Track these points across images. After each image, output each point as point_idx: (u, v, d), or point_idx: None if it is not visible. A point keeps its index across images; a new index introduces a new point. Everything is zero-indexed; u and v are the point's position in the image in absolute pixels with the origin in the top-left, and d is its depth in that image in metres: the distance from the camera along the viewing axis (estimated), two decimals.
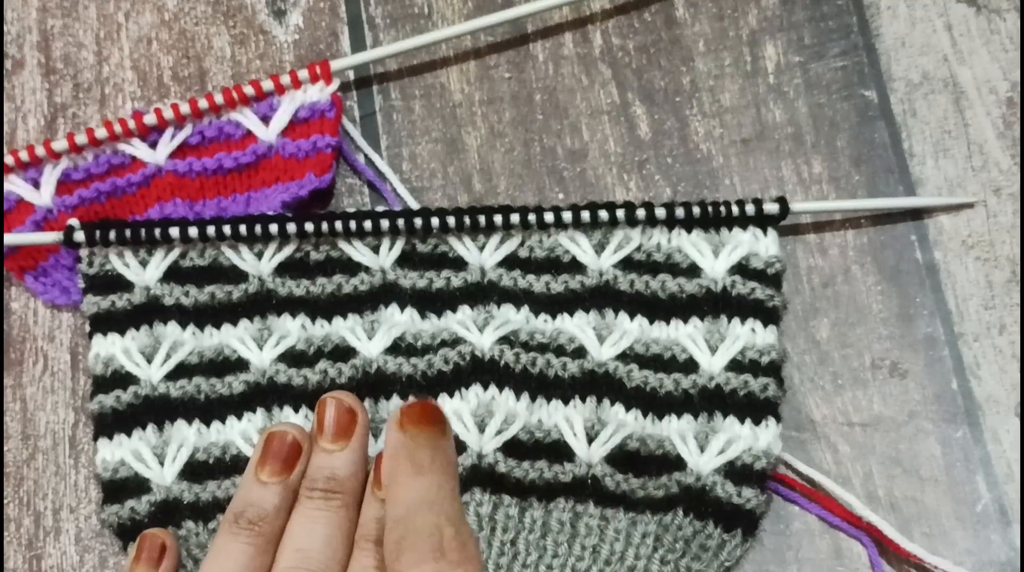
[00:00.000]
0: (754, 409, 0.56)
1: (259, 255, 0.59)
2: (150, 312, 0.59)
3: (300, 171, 0.61)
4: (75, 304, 0.61)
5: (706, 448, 0.55)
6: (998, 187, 0.61)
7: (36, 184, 0.62)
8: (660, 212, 0.58)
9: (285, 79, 0.62)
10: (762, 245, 0.58)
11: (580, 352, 0.57)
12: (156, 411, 0.57)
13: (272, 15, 0.67)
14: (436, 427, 0.51)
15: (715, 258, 0.58)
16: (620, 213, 0.58)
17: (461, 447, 0.56)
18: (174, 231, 0.58)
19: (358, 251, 0.59)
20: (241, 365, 0.58)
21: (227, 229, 0.58)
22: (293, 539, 0.51)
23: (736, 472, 0.55)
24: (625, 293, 0.58)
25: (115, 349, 0.58)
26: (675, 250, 0.58)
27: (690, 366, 0.57)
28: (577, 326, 0.58)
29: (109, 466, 0.57)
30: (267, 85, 0.62)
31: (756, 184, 0.62)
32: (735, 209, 0.58)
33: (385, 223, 0.58)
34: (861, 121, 0.63)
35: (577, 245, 0.59)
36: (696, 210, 0.58)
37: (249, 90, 0.62)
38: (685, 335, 0.57)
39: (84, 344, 0.61)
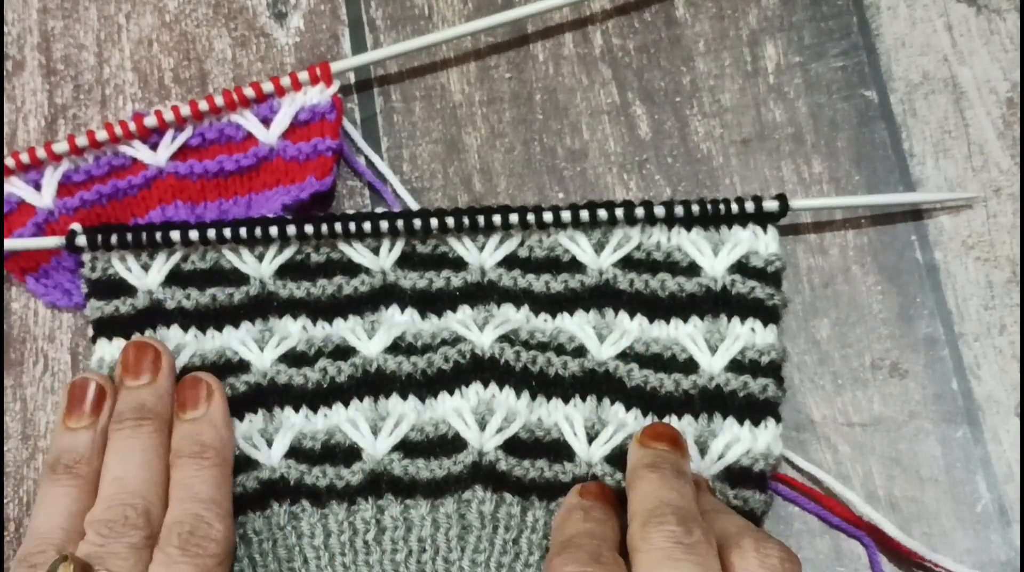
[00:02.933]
0: (753, 410, 0.56)
1: (260, 257, 0.59)
2: (153, 316, 0.59)
3: (301, 174, 0.61)
4: (76, 306, 0.61)
5: (706, 452, 0.55)
6: (998, 187, 0.61)
7: (37, 186, 0.62)
8: (659, 210, 0.58)
9: (285, 81, 0.62)
10: (762, 243, 0.58)
11: (580, 351, 0.57)
12: None
13: (273, 17, 0.67)
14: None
15: (715, 256, 0.58)
16: (619, 212, 0.58)
17: (462, 445, 0.56)
18: (175, 234, 0.58)
19: (358, 252, 0.59)
20: (243, 366, 0.58)
21: (228, 232, 0.58)
22: (110, 470, 0.52)
23: (736, 474, 0.55)
24: (625, 292, 0.58)
25: (119, 353, 0.58)
26: (675, 249, 0.59)
27: (690, 366, 0.57)
28: (577, 325, 0.58)
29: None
30: (267, 87, 0.62)
31: (756, 184, 0.62)
32: (735, 207, 0.58)
33: (385, 224, 0.58)
34: (861, 121, 0.63)
35: (577, 244, 0.59)
36: (695, 208, 0.58)
37: (249, 92, 0.62)
38: (685, 334, 0.57)
39: (84, 345, 0.61)
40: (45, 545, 0.50)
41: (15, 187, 0.62)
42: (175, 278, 0.59)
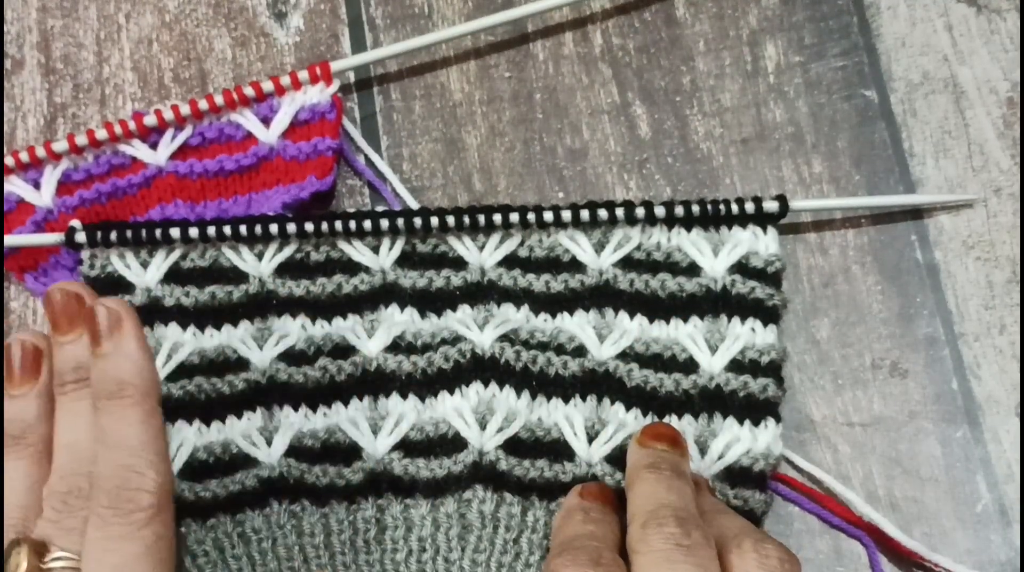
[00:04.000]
0: (753, 410, 0.56)
1: (259, 256, 0.59)
2: (151, 313, 0.59)
3: (301, 173, 0.61)
4: None
5: (706, 451, 0.55)
6: (998, 187, 0.61)
7: (36, 185, 0.62)
8: (660, 211, 0.58)
9: (285, 80, 0.62)
10: (762, 243, 0.58)
11: (580, 351, 0.57)
12: None
13: (273, 17, 0.67)
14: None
15: (715, 257, 0.58)
16: (619, 212, 0.58)
17: (462, 444, 0.56)
18: (175, 232, 0.58)
19: (358, 251, 0.59)
20: (242, 365, 0.58)
21: (227, 230, 0.58)
22: (61, 436, 0.50)
23: (735, 474, 0.55)
24: (625, 292, 0.58)
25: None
26: (675, 249, 0.59)
27: (690, 366, 0.57)
28: (577, 325, 0.58)
29: None
30: (267, 86, 0.62)
31: (756, 184, 0.62)
32: (735, 207, 0.58)
33: (385, 223, 0.58)
34: (861, 121, 0.63)
35: (577, 244, 0.59)
36: (696, 208, 0.58)
37: (249, 91, 0.62)
38: (685, 334, 0.57)
39: None
40: (4, 528, 0.48)
41: (15, 186, 0.62)
42: (174, 276, 0.59)
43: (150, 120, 0.62)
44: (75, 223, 0.59)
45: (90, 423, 0.50)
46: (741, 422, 0.56)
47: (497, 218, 0.58)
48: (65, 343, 0.51)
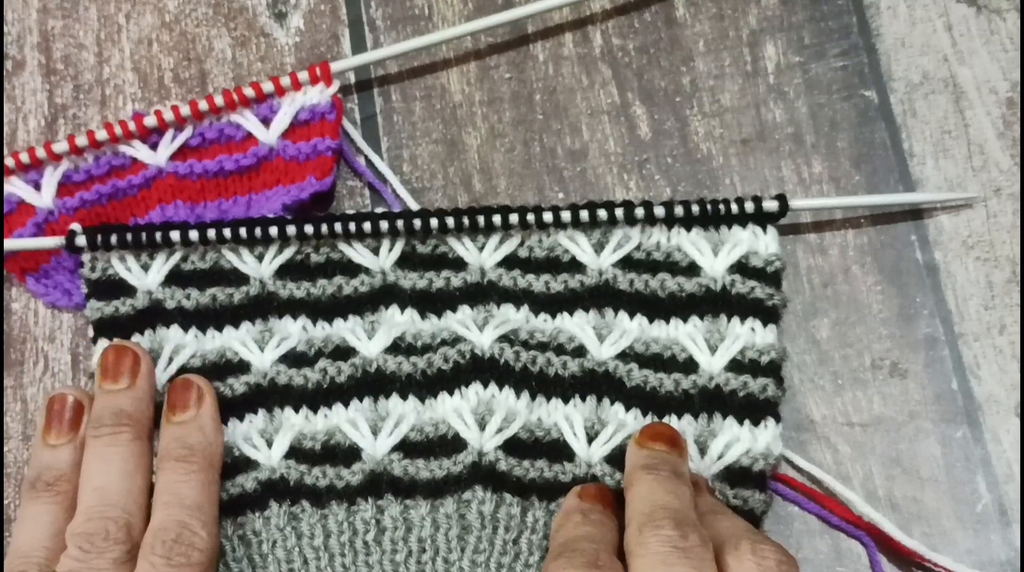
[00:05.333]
0: (753, 410, 0.56)
1: (260, 257, 0.59)
2: (153, 316, 0.59)
3: (301, 174, 0.61)
4: (76, 306, 0.61)
5: (706, 451, 0.55)
6: (998, 187, 0.61)
7: (37, 186, 0.62)
8: (659, 211, 0.58)
9: (285, 81, 0.62)
10: (762, 243, 0.58)
11: (580, 351, 0.57)
12: (160, 415, 0.57)
13: (273, 17, 0.67)
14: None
15: (714, 256, 0.58)
16: (619, 212, 0.58)
17: (462, 445, 0.56)
18: (175, 234, 0.58)
19: (358, 253, 0.59)
20: (242, 367, 0.58)
21: (228, 232, 0.58)
22: (89, 480, 0.52)
23: (735, 474, 0.55)
24: (624, 292, 0.58)
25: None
26: (674, 249, 0.59)
27: (690, 366, 0.57)
28: (577, 325, 0.58)
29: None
30: (267, 87, 0.62)
31: (756, 184, 0.62)
32: (734, 207, 0.58)
33: (385, 224, 0.58)
34: (861, 121, 0.63)
35: (576, 244, 0.59)
36: (695, 208, 0.58)
37: (249, 92, 0.62)
38: (685, 334, 0.57)
39: (84, 345, 0.61)
40: (26, 564, 0.50)
41: (15, 187, 0.62)
42: (175, 278, 0.59)
43: (150, 121, 0.62)
44: (75, 227, 0.59)
45: (122, 470, 0.52)
46: (741, 422, 0.56)
47: (497, 219, 0.58)
48: (110, 390, 0.54)
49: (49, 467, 0.53)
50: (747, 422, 0.56)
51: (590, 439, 0.56)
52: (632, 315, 0.58)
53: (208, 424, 0.54)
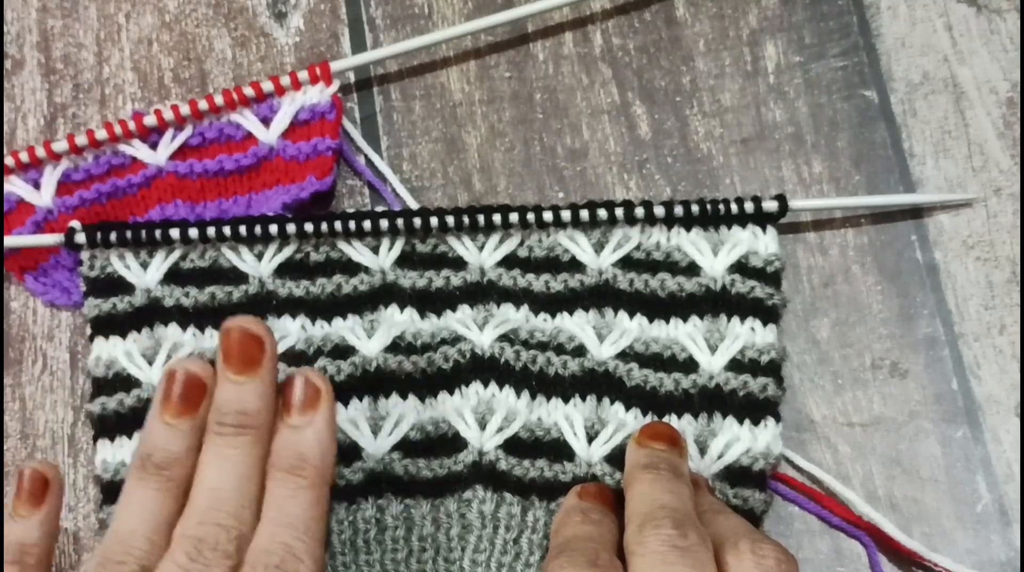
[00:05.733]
0: (753, 409, 0.56)
1: (259, 256, 0.59)
2: (151, 314, 0.59)
3: (301, 173, 0.61)
4: (75, 304, 0.61)
5: (706, 451, 0.55)
6: (998, 187, 0.61)
7: (36, 185, 0.62)
8: (659, 210, 0.58)
9: (285, 80, 0.62)
10: (761, 243, 0.58)
11: (580, 351, 0.57)
12: None
13: (273, 17, 0.67)
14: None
15: (714, 256, 0.58)
16: (619, 212, 0.58)
17: (462, 444, 0.56)
18: (174, 232, 0.58)
19: (358, 251, 0.59)
20: None
21: (227, 230, 0.58)
22: (205, 479, 0.48)
23: (735, 473, 0.55)
24: (624, 292, 0.58)
25: (117, 352, 0.58)
26: (674, 249, 0.58)
27: (690, 365, 0.57)
28: (577, 325, 0.58)
29: (110, 467, 0.57)
30: (267, 86, 0.62)
31: (756, 184, 0.62)
32: (734, 207, 0.58)
33: (384, 223, 0.58)
34: (861, 121, 0.63)
35: (576, 244, 0.59)
36: (695, 208, 0.58)
37: (249, 91, 0.62)
38: (685, 334, 0.57)
39: (83, 343, 0.61)
40: (126, 555, 0.47)
41: (14, 186, 0.62)
42: (174, 276, 0.59)
43: (150, 120, 0.62)
44: (75, 224, 0.59)
45: (240, 474, 0.48)
46: (741, 421, 0.56)
47: (497, 218, 0.58)
48: (235, 381, 0.49)
49: (161, 448, 0.48)
50: (747, 422, 0.55)
51: (590, 438, 0.56)
52: (632, 315, 0.58)
53: (324, 433, 0.49)
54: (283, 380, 0.50)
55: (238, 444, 0.48)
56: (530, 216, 0.58)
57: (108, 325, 0.58)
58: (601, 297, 0.58)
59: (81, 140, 0.62)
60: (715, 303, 0.57)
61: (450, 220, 0.58)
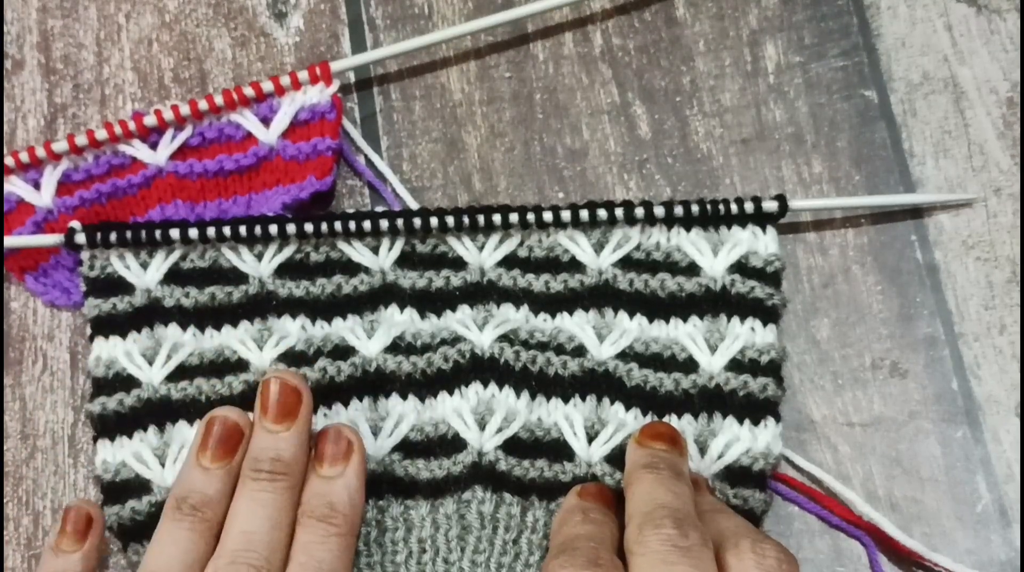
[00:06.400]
0: (753, 409, 0.56)
1: (259, 256, 0.59)
2: (151, 314, 0.59)
3: (301, 173, 0.61)
4: (75, 305, 0.61)
5: (706, 451, 0.55)
6: (998, 187, 0.61)
7: (36, 185, 0.62)
8: (659, 211, 0.58)
9: (285, 80, 0.62)
10: (761, 243, 0.58)
11: (580, 351, 0.57)
12: (157, 413, 0.57)
13: (273, 17, 0.67)
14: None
15: (714, 256, 0.58)
16: (619, 212, 0.58)
17: (462, 445, 0.56)
18: (174, 233, 0.58)
19: (358, 252, 0.59)
20: (241, 366, 0.58)
21: (227, 230, 0.58)
22: (238, 522, 0.50)
23: (735, 473, 0.55)
24: (624, 292, 0.58)
25: (116, 352, 0.58)
26: (674, 249, 0.58)
27: (690, 365, 0.57)
28: (577, 325, 0.58)
29: (110, 468, 0.57)
30: (267, 86, 0.62)
31: (756, 184, 0.62)
32: (734, 207, 0.58)
33: (384, 223, 0.58)
34: (861, 121, 0.63)
35: (576, 244, 0.59)
36: (695, 208, 0.58)
37: (249, 91, 0.62)
38: (685, 334, 0.57)
39: (83, 344, 0.61)
40: None
41: (15, 186, 0.62)
42: (174, 276, 0.59)
43: (150, 120, 0.62)
44: (75, 224, 0.59)
45: (272, 518, 0.50)
46: (741, 421, 0.56)
47: (497, 218, 0.58)
48: (272, 431, 0.52)
49: (197, 490, 0.51)
50: (747, 421, 0.55)
51: (590, 439, 0.56)
52: (632, 315, 0.58)
53: (354, 484, 0.52)
54: (317, 432, 0.53)
55: (272, 489, 0.50)
56: (530, 216, 0.58)
57: (108, 325, 0.58)
58: (601, 297, 0.58)
59: (81, 140, 0.62)
60: (715, 303, 0.57)
61: (450, 220, 0.58)
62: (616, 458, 0.55)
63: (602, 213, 0.58)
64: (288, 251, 0.59)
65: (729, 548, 0.45)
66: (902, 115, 0.63)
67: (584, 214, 0.58)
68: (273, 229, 0.58)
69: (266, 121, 0.63)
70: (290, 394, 0.52)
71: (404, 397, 0.57)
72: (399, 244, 0.59)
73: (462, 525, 0.55)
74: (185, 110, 0.62)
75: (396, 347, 0.58)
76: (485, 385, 0.56)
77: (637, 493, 0.48)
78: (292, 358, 0.58)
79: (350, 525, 0.51)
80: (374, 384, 0.57)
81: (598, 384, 0.56)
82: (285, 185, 0.62)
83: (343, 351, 0.58)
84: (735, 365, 0.56)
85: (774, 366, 0.56)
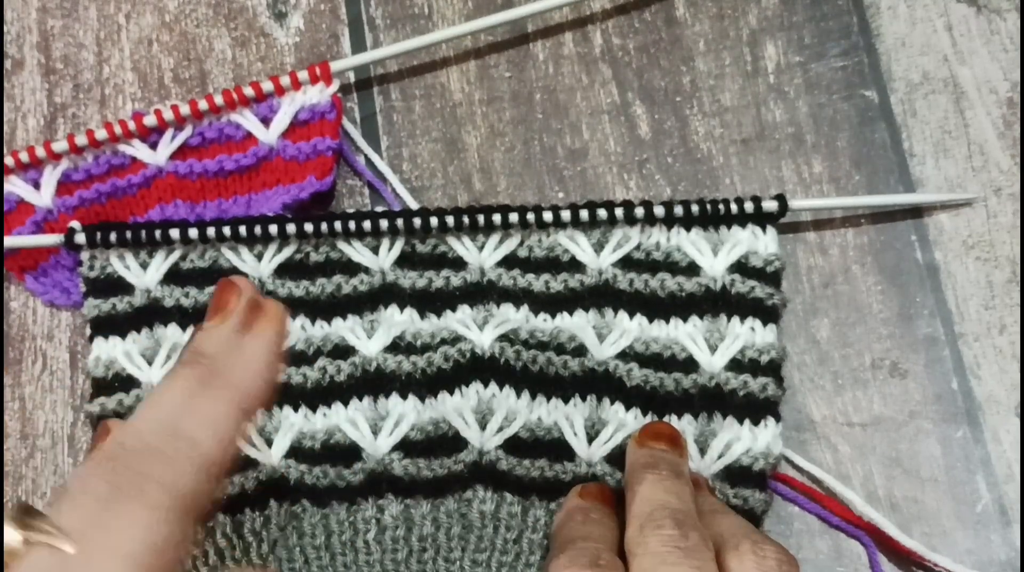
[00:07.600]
0: (753, 409, 0.56)
1: (259, 256, 0.59)
2: (151, 314, 0.59)
3: (301, 173, 0.61)
4: (75, 304, 0.61)
5: (706, 451, 0.55)
6: (998, 187, 0.61)
7: (36, 185, 0.62)
8: (659, 210, 0.58)
9: (285, 80, 0.62)
10: (761, 243, 0.58)
11: (580, 350, 0.57)
12: None
13: (273, 17, 0.67)
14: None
15: (714, 256, 0.58)
16: (619, 212, 0.58)
17: (462, 444, 0.56)
18: (174, 233, 0.58)
19: (358, 252, 0.59)
20: None
21: (227, 230, 0.58)
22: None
23: (735, 473, 0.55)
24: (624, 292, 0.58)
25: (116, 352, 0.58)
26: (674, 249, 0.58)
27: (690, 365, 0.57)
28: (577, 325, 0.58)
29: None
30: (267, 86, 0.62)
31: (756, 184, 0.62)
32: (734, 207, 0.58)
33: (384, 223, 0.58)
34: (861, 121, 0.63)
35: (576, 244, 0.59)
36: (695, 208, 0.58)
37: (249, 91, 0.62)
38: (685, 334, 0.57)
39: (83, 343, 0.61)
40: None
41: (14, 186, 0.62)
42: (174, 277, 0.59)
43: (150, 120, 0.62)
44: (74, 224, 0.59)
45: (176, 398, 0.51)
46: (741, 421, 0.56)
47: (497, 218, 0.58)
48: (203, 328, 0.54)
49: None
50: (747, 421, 0.55)
51: (590, 438, 0.56)
52: (632, 315, 0.58)
53: (225, 332, 0.54)
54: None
55: (185, 376, 0.52)
56: (530, 216, 0.58)
57: (108, 325, 0.58)
58: (601, 297, 0.58)
59: (81, 140, 0.62)
60: (715, 303, 0.57)
61: (450, 220, 0.58)
62: (616, 458, 0.55)
63: (602, 213, 0.58)
64: (288, 251, 0.59)
65: (729, 549, 0.46)
66: (902, 115, 0.63)
67: (584, 214, 0.58)
68: (273, 229, 0.58)
69: (266, 121, 0.63)
70: (225, 290, 0.55)
71: (404, 397, 0.57)
72: (399, 244, 0.59)
73: (463, 524, 0.55)
74: (185, 110, 0.62)
75: (396, 347, 0.58)
76: (485, 385, 0.56)
77: (638, 493, 0.48)
78: (292, 358, 0.58)
79: (218, 369, 0.51)
80: (374, 384, 0.57)
81: (598, 384, 0.56)
82: (285, 185, 0.62)
83: (343, 351, 0.58)
84: (735, 365, 0.56)
85: (774, 366, 0.56)
